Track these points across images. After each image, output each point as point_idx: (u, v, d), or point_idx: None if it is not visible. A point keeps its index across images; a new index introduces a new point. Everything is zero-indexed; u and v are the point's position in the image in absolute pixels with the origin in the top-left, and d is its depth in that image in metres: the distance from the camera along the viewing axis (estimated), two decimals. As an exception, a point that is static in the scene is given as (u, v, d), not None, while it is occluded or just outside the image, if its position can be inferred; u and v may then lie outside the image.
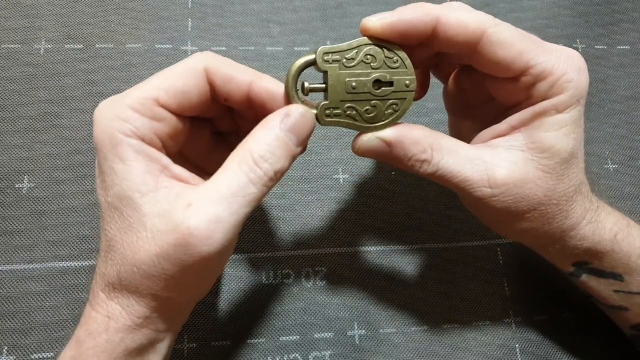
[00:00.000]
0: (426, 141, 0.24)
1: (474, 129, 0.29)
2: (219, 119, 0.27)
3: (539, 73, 0.23)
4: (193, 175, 0.24)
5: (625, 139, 0.41)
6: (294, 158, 0.23)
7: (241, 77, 0.23)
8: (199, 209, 0.20)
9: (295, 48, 0.39)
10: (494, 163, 0.24)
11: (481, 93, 0.27)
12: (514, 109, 0.25)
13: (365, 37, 0.23)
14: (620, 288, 0.28)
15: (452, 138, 0.25)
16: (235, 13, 0.40)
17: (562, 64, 0.23)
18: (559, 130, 0.23)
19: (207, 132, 0.27)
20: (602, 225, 0.26)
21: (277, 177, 0.22)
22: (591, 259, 0.27)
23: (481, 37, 0.23)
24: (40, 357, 0.29)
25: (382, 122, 0.24)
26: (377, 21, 0.22)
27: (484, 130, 0.26)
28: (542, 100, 0.23)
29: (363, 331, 0.33)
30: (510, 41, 0.23)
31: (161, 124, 0.22)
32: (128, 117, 0.22)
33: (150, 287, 0.21)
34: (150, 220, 0.21)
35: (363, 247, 0.35)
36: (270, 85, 0.23)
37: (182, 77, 0.23)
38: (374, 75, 0.23)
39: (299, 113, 0.23)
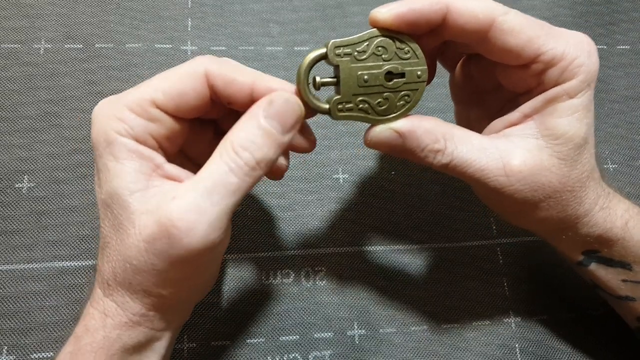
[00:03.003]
0: (439, 130, 0.24)
1: (482, 117, 0.29)
2: (223, 120, 0.27)
3: (549, 59, 0.23)
4: (188, 173, 0.24)
5: (625, 139, 0.41)
6: (281, 146, 0.22)
7: (243, 79, 0.23)
8: (180, 201, 0.20)
9: (295, 48, 0.39)
10: (508, 151, 0.24)
11: (489, 81, 0.27)
12: (524, 96, 0.25)
13: (375, 29, 0.23)
14: (629, 278, 0.27)
15: (464, 128, 0.25)
16: (235, 13, 0.40)
17: (573, 49, 0.23)
18: (571, 115, 0.23)
19: (210, 132, 0.27)
20: (613, 212, 0.26)
21: (262, 166, 0.21)
22: (601, 247, 0.27)
23: (491, 25, 0.22)
24: (40, 357, 0.29)
25: (395, 114, 0.24)
26: (386, 12, 0.22)
27: (496, 120, 0.26)
28: (553, 86, 0.23)
29: (363, 331, 0.33)
30: (520, 29, 0.23)
31: (157, 125, 0.22)
32: (124, 117, 0.22)
33: (142, 282, 0.21)
34: (138, 217, 0.21)
35: (363, 247, 0.35)
36: (274, 84, 0.23)
37: (181, 80, 0.22)
38: (385, 68, 0.23)
39: (283, 99, 0.22)
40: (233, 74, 0.23)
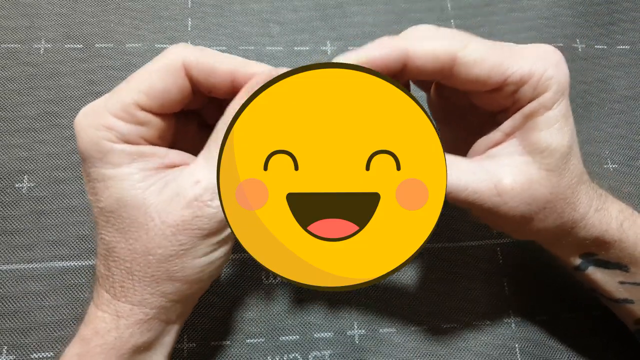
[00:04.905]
0: None
1: (464, 136, 0.29)
2: (206, 112, 0.27)
3: (518, 80, 0.23)
4: (189, 155, 0.24)
5: (625, 139, 0.41)
6: None
7: (222, 67, 0.23)
8: (208, 184, 0.22)
9: (295, 48, 0.39)
10: (497, 172, 0.24)
11: (464, 102, 0.27)
12: (500, 115, 0.25)
13: None
14: (626, 279, 0.28)
15: (450, 154, 0.24)
16: (235, 13, 0.40)
17: (539, 63, 0.23)
18: (552, 127, 0.24)
19: (194, 124, 0.27)
20: (608, 213, 0.26)
21: None
22: (598, 250, 0.27)
23: (453, 62, 0.22)
24: (40, 356, 0.29)
25: None
26: (347, 60, 0.22)
27: (479, 141, 0.26)
28: (528, 102, 0.24)
29: (363, 331, 0.33)
30: (482, 58, 0.22)
31: (146, 127, 0.22)
32: (112, 124, 0.21)
33: (168, 269, 0.22)
34: (155, 209, 0.21)
35: (363, 247, 0.35)
36: (255, 69, 0.23)
37: (160, 77, 0.22)
38: None
39: (265, 76, 0.22)
40: (212, 63, 0.22)
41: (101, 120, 0.21)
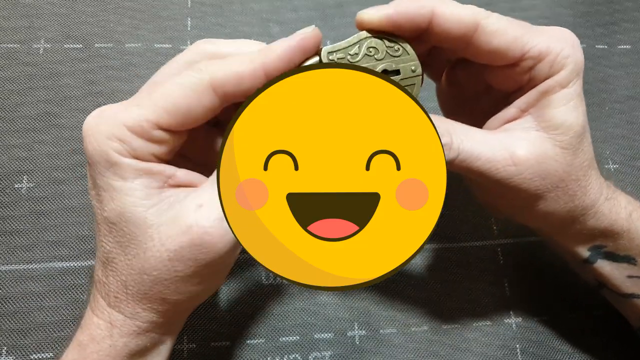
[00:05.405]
0: (442, 126, 0.24)
1: (473, 124, 0.29)
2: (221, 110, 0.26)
3: (536, 55, 0.23)
4: (199, 175, 0.23)
5: (625, 139, 0.41)
6: None
7: (252, 67, 0.21)
8: (210, 209, 0.21)
9: (295, 48, 0.39)
10: (512, 143, 0.24)
11: (477, 85, 0.28)
12: (515, 95, 0.25)
13: (364, 31, 0.23)
14: (634, 273, 0.27)
15: (464, 124, 0.25)
16: (234, 12, 0.40)
17: (557, 42, 0.23)
18: (567, 104, 0.24)
19: (202, 127, 0.27)
20: (618, 203, 0.26)
21: None
22: (606, 241, 0.27)
23: (476, 28, 0.23)
24: (40, 357, 0.29)
25: None
26: (374, 13, 0.22)
27: (492, 119, 0.26)
28: (544, 80, 0.24)
29: (363, 332, 0.32)
30: (504, 29, 0.23)
31: (159, 145, 0.22)
32: (125, 137, 0.21)
33: (161, 291, 0.21)
34: (156, 230, 0.21)
35: (363, 247, 0.35)
36: (279, 51, 0.21)
37: (186, 96, 0.21)
38: (380, 67, 0.23)
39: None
40: (240, 69, 0.21)
41: (113, 129, 0.21)
